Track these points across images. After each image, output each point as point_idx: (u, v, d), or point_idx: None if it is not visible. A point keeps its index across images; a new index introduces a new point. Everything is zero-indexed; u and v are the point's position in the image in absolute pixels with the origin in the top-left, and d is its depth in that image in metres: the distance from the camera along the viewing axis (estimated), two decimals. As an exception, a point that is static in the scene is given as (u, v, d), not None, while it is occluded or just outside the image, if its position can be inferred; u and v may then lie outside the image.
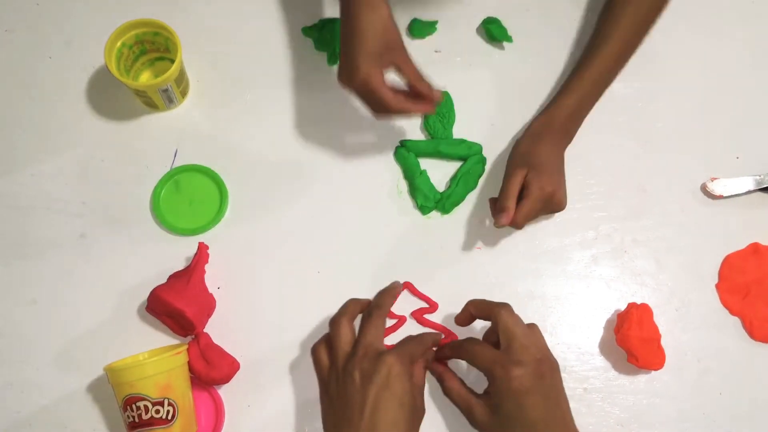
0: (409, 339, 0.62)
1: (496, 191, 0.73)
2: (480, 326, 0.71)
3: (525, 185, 0.70)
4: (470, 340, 0.62)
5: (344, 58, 0.65)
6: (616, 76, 0.74)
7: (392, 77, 0.66)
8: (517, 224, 0.69)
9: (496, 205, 0.70)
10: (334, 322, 0.61)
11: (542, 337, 0.62)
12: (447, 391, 0.63)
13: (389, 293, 0.65)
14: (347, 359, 0.58)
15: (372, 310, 0.62)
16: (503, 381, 0.57)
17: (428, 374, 0.65)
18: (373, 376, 0.56)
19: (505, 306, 0.61)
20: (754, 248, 0.75)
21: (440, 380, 0.64)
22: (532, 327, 0.63)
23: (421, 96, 0.66)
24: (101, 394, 0.69)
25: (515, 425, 0.58)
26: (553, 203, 0.71)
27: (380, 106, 0.65)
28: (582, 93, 0.73)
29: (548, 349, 0.62)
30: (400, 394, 0.56)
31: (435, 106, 0.67)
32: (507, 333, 0.60)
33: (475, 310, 0.64)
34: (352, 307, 0.63)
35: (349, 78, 0.64)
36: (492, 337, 0.65)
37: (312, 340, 0.71)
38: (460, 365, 0.70)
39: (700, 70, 0.81)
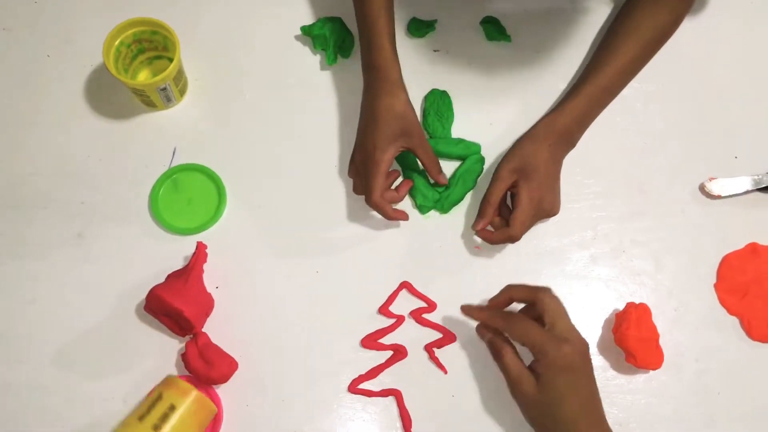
0: None
1: (495, 191, 0.73)
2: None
3: (516, 194, 0.70)
4: (519, 317, 0.63)
5: (362, 138, 0.70)
6: (626, 85, 0.74)
7: None
8: (514, 237, 0.69)
9: (479, 210, 0.71)
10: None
11: None
12: (498, 358, 0.63)
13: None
14: None
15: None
16: (555, 358, 0.58)
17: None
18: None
19: (548, 289, 0.63)
20: (753, 248, 0.75)
21: (492, 346, 0.64)
22: None
23: (432, 177, 0.72)
24: (100, 394, 0.69)
25: (561, 402, 0.59)
26: (542, 210, 0.70)
27: (368, 191, 0.68)
28: (592, 99, 0.72)
29: None
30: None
31: (444, 182, 0.73)
32: (552, 313, 0.61)
33: (516, 294, 0.65)
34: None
35: (363, 159, 0.69)
36: (529, 316, 0.65)
37: (310, 339, 0.71)
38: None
39: (699, 71, 0.81)
